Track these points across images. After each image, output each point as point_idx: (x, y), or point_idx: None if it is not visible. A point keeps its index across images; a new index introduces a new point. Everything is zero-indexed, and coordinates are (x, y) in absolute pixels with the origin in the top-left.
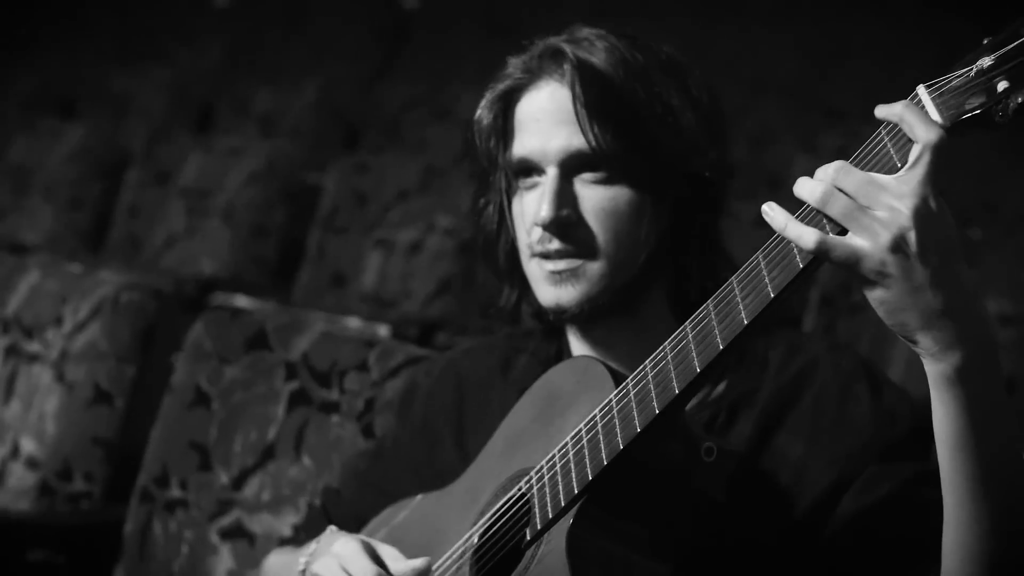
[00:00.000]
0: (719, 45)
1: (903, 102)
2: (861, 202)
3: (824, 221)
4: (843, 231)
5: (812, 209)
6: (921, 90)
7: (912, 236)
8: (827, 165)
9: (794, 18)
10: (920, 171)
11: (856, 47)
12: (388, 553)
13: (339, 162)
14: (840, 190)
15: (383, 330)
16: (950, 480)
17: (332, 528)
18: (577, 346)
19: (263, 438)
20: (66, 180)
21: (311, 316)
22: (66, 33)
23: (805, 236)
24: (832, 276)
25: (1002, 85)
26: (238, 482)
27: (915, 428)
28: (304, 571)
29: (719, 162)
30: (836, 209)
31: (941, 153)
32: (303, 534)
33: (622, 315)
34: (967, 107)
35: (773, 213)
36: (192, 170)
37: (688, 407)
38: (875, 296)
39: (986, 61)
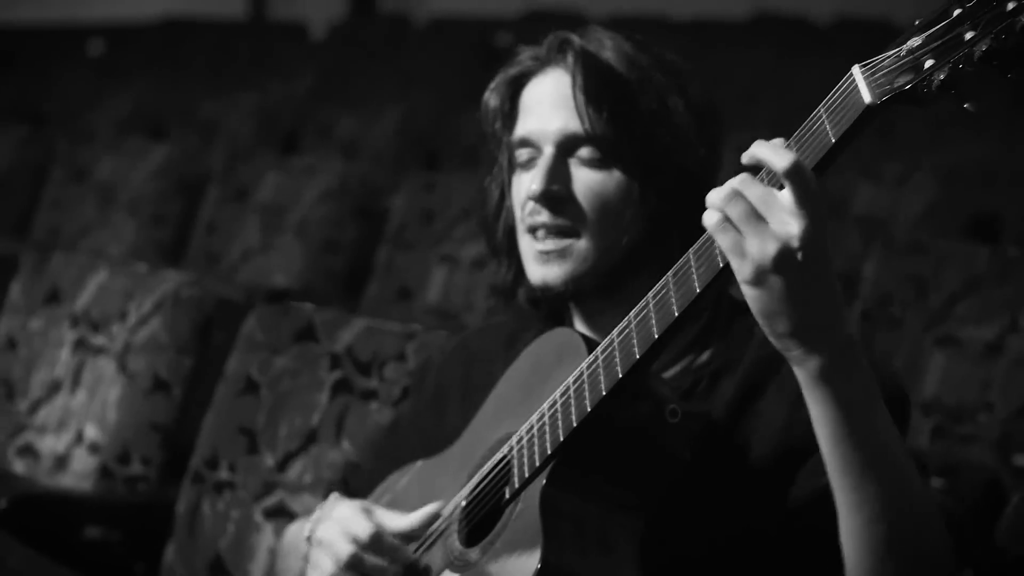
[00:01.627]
0: (802, 75)
1: (756, 143)
2: (759, 211)
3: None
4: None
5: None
6: (856, 70)
7: (797, 254)
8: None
9: (862, 52)
10: (792, 195)
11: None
12: (386, 514)
13: (408, 180)
14: (743, 197)
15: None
16: (833, 471)
17: (335, 494)
18: (579, 325)
19: (307, 424)
20: (149, 196)
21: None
22: (163, 62)
23: (708, 217)
24: (872, 292)
25: (928, 63)
26: (282, 465)
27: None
28: (310, 537)
29: (707, 161)
30: (735, 212)
31: (798, 175)
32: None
33: (612, 297)
34: (896, 84)
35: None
36: (269, 188)
37: (671, 373)
38: (751, 295)
39: (915, 41)
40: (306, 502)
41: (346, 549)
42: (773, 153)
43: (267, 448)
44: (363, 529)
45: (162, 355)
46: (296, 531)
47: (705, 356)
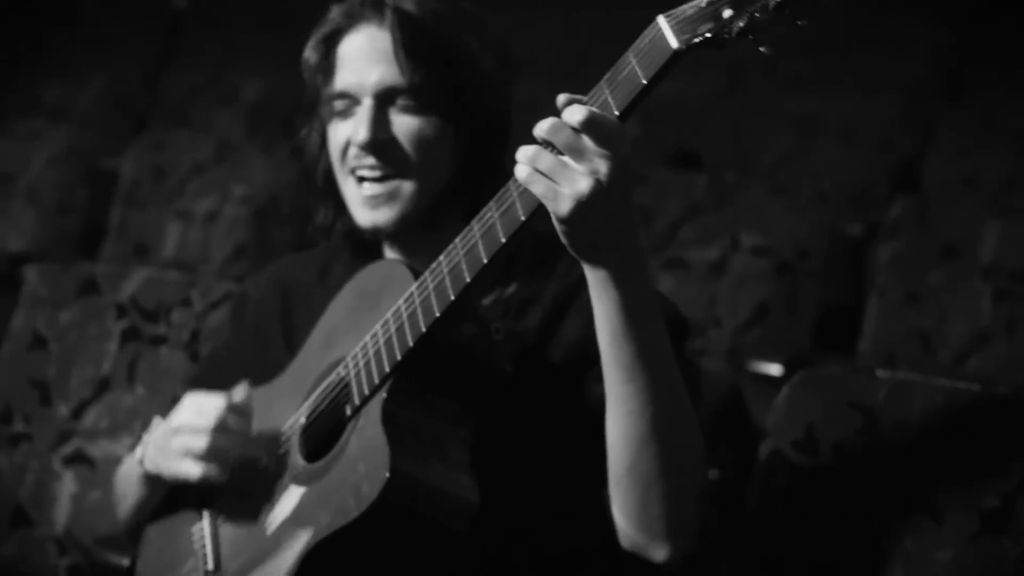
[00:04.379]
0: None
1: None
2: (563, 160)
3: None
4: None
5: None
6: (660, 19)
7: (607, 187)
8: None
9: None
10: (593, 141)
11: (615, 35)
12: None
13: (136, 141)
14: (551, 144)
15: None
16: (607, 365)
17: (157, 418)
18: (390, 255)
19: (98, 372)
20: None
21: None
22: None
23: (519, 171)
24: None
25: (727, 12)
26: (77, 413)
27: None
28: (141, 460)
29: (509, 98)
30: (544, 164)
31: (593, 125)
32: None
33: (428, 231)
34: (699, 31)
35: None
36: None
37: (485, 302)
38: (563, 229)
39: None
40: (104, 447)
41: (207, 417)
42: (572, 112)
43: (60, 399)
44: (216, 400)
45: None
46: (127, 466)
47: (513, 288)
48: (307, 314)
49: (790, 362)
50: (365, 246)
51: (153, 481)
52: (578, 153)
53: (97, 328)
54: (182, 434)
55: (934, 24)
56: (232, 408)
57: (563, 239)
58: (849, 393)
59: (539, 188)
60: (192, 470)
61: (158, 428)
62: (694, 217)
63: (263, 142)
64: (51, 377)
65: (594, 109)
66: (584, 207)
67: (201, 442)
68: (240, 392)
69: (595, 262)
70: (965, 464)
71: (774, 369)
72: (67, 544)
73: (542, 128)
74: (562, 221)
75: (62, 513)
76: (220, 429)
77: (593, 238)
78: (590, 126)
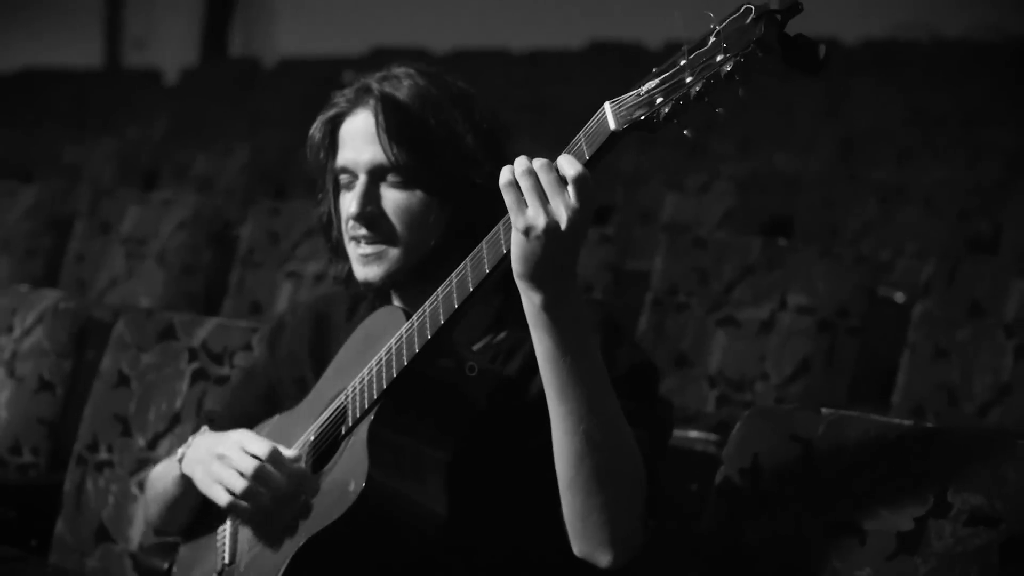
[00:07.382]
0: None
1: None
2: (545, 191)
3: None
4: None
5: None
6: (606, 105)
7: (561, 233)
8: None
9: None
10: (574, 194)
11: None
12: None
13: (256, 207)
14: (536, 177)
15: None
16: (546, 387)
17: (204, 427)
18: (397, 301)
19: (171, 408)
20: (21, 233)
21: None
22: (26, 111)
23: (504, 174)
24: (661, 283)
25: (659, 100)
26: (152, 444)
27: (627, 375)
28: (181, 459)
29: (494, 172)
30: (525, 183)
31: (581, 182)
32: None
33: (423, 282)
34: (634, 116)
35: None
36: (131, 221)
37: (476, 348)
38: (515, 250)
39: (652, 83)
40: None
41: (250, 462)
42: (568, 163)
43: (139, 431)
44: (262, 446)
45: (45, 360)
46: (162, 467)
47: (502, 335)
48: (334, 346)
49: None
50: (381, 292)
51: (187, 482)
52: (554, 192)
53: (172, 369)
54: (224, 465)
55: None
56: (273, 459)
57: (513, 262)
58: (793, 427)
59: (511, 198)
60: (222, 499)
61: (205, 439)
62: (746, 278)
63: None
64: (131, 412)
65: (579, 164)
66: (536, 238)
67: (238, 484)
68: (287, 450)
69: (533, 286)
70: (886, 491)
71: None
72: (138, 559)
73: (534, 163)
74: (517, 231)
75: (136, 532)
76: (258, 478)
77: (535, 265)
78: (579, 182)
